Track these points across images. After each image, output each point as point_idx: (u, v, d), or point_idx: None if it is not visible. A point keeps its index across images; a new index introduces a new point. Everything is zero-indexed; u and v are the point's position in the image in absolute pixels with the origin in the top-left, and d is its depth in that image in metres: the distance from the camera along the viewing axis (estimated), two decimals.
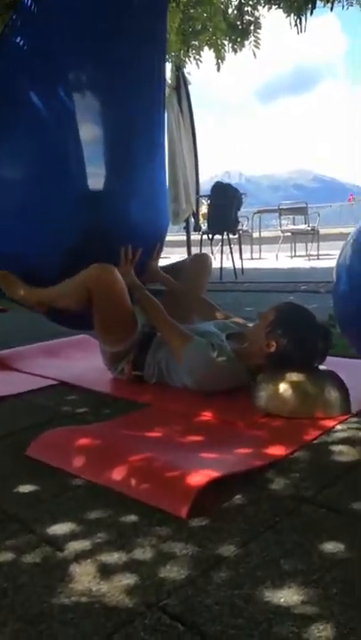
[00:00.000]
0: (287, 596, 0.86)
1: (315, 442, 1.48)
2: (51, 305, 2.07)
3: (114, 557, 1.00)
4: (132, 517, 1.13)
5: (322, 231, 8.46)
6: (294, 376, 1.70)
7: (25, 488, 1.29)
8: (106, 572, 0.96)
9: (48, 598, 0.89)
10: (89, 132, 2.15)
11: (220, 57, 5.00)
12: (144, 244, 2.22)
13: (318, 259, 7.87)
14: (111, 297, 1.96)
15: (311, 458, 1.38)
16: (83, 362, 2.35)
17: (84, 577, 0.94)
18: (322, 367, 1.78)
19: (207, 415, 1.70)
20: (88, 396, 1.99)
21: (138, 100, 2.22)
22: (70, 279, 1.98)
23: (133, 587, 0.91)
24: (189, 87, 6.00)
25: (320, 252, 8.09)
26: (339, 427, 1.59)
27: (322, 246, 8.23)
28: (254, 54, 5.00)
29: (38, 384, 2.13)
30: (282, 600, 0.86)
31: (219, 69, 4.88)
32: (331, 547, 0.99)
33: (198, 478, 1.18)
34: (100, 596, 0.89)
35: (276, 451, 1.40)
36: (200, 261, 2.43)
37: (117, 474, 1.27)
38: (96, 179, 2.16)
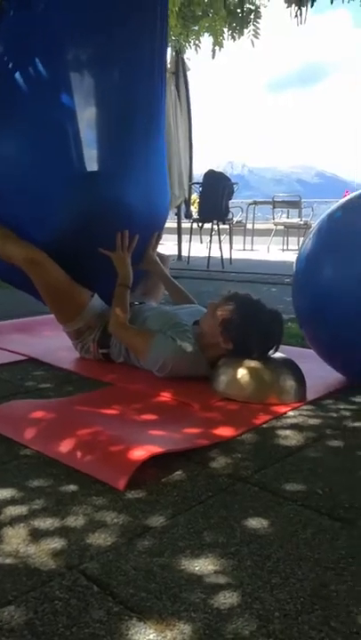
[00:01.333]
0: (202, 566, 0.90)
1: (264, 426, 1.52)
2: None
3: (47, 523, 1.03)
4: (72, 487, 1.17)
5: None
6: (253, 363, 1.73)
7: None
8: (36, 535, 0.99)
9: None
10: (86, 112, 2.08)
11: (218, 44, 4.96)
12: (142, 230, 2.15)
13: None
14: (45, 281, 2.04)
15: (257, 440, 1.42)
16: (53, 340, 2.38)
17: (14, 539, 0.98)
18: (280, 355, 1.81)
19: (166, 396, 1.74)
20: (54, 373, 2.02)
21: (137, 83, 2.14)
22: (9, 242, 2.05)
23: (59, 550, 0.95)
24: (188, 73, 5.97)
25: None
26: (291, 413, 1.63)
27: None
28: (253, 43, 4.96)
29: (6, 359, 2.16)
30: (197, 569, 0.89)
31: (214, 56, 4.86)
32: (254, 522, 1.03)
33: (140, 453, 1.22)
34: (25, 557, 0.93)
35: (224, 432, 1.44)
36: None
37: (64, 446, 1.31)
38: (93, 160, 2.08)
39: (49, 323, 2.65)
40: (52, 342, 2.37)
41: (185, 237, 6.45)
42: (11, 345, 2.33)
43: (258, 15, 4.92)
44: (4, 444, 1.38)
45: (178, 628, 0.76)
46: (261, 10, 4.95)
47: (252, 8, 4.94)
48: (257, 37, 4.92)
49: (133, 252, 2.11)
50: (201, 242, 6.95)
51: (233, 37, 4.94)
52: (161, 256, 2.34)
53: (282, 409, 1.64)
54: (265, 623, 0.77)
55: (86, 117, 2.08)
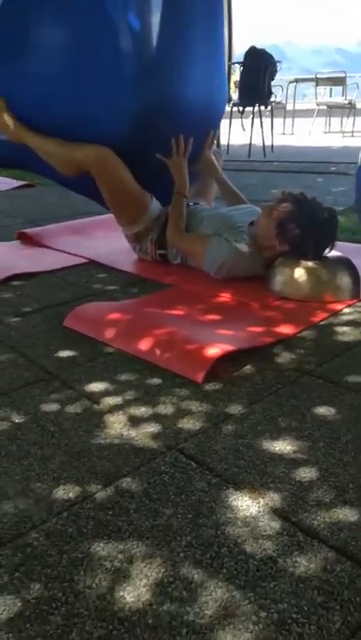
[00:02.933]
0: (281, 446, 1.06)
1: (322, 323, 1.63)
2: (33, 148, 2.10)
3: (141, 411, 1.20)
4: (157, 380, 1.33)
5: (359, 105, 7.94)
6: (309, 263, 1.80)
7: (64, 353, 1.48)
8: (134, 421, 1.16)
9: (88, 439, 1.10)
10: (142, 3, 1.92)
11: None
12: (199, 127, 2.09)
13: (353, 136, 7.49)
14: (113, 181, 2.04)
15: (316, 337, 1.54)
16: (109, 241, 2.47)
17: (116, 424, 1.15)
18: (337, 253, 1.87)
19: (225, 296, 1.84)
20: (116, 275, 2.14)
21: None
22: (66, 145, 2.00)
23: (157, 433, 1.12)
24: None
25: (355, 129, 7.67)
26: (347, 310, 1.72)
27: (358, 122, 7.79)
28: None
29: (69, 262, 2.28)
30: (277, 449, 1.05)
31: None
32: (323, 410, 1.17)
33: (214, 350, 1.36)
34: (129, 439, 1.10)
35: (286, 330, 1.56)
36: None
37: (144, 344, 1.45)
38: (151, 53, 1.94)
39: (101, 224, 2.74)
40: (108, 244, 2.46)
41: (224, 122, 6.18)
42: (70, 247, 2.44)
43: None
44: (88, 343, 1.54)
45: (268, 496, 0.93)
46: None
47: None
48: None
49: (190, 152, 2.11)
50: (243, 129, 6.65)
51: None
52: (214, 153, 2.33)
53: (338, 306, 1.74)
54: (341, 493, 0.93)
55: (142, 6, 1.96)
